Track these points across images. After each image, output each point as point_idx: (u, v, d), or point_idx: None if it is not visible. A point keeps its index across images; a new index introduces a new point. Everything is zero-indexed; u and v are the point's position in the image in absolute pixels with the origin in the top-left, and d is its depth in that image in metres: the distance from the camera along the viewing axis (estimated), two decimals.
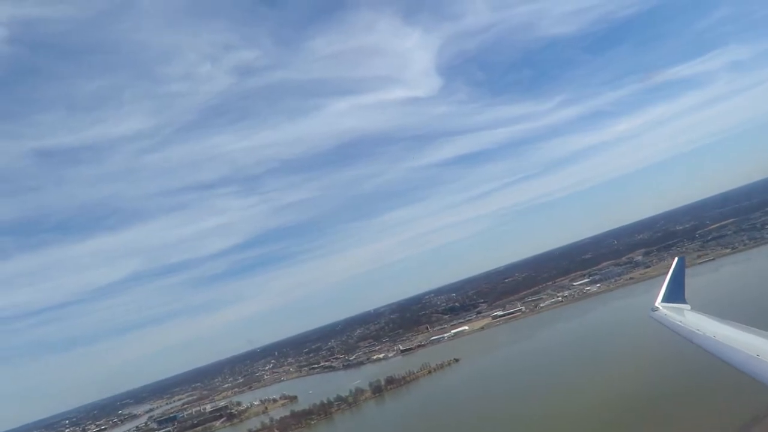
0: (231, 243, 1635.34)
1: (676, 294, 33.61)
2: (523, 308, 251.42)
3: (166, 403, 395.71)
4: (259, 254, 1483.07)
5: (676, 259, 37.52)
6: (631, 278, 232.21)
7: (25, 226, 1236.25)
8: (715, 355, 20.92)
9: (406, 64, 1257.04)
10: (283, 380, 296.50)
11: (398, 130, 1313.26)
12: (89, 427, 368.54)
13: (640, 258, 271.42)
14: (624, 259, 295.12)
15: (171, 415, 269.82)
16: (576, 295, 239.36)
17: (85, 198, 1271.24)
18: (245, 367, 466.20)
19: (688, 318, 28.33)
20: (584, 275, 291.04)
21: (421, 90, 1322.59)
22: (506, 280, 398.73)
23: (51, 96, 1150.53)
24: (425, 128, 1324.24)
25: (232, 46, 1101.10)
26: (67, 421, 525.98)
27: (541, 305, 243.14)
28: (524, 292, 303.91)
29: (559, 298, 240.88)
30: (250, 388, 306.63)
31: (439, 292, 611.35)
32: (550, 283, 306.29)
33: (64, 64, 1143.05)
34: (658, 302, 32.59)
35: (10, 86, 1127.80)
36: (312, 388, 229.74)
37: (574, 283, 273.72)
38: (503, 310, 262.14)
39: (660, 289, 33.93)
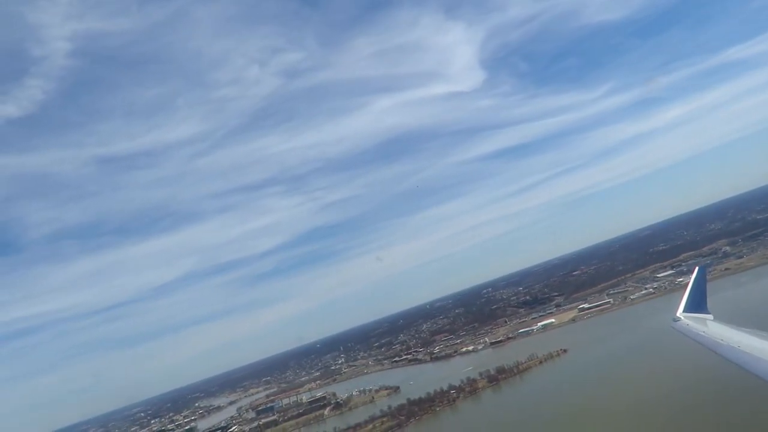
0: (278, 242, 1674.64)
1: (698, 304, 33.08)
2: (611, 300, 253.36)
3: (245, 396, 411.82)
4: (305, 252, 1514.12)
5: (697, 268, 37.41)
6: (726, 269, 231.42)
7: (88, 229, 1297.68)
8: (740, 366, 20.85)
9: (449, 59, 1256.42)
10: (366, 373, 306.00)
11: (441, 125, 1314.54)
12: (176, 418, 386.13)
13: (727, 248, 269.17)
14: (706, 249, 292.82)
15: (266, 405, 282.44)
16: (667, 287, 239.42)
17: (142, 201, 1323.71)
18: (312, 362, 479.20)
19: (711, 328, 27.90)
20: (665, 267, 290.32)
21: (464, 84, 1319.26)
22: (574, 273, 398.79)
23: (110, 105, 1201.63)
24: (469, 122, 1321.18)
25: (278, 49, 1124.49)
26: (143, 413, 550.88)
27: (631, 297, 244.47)
28: (602, 285, 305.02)
29: (650, 290, 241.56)
30: (335, 380, 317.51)
31: (493, 285, 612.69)
32: (629, 275, 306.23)
33: (122, 75, 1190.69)
34: (679, 312, 32.23)
35: (74, 97, 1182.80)
36: (405, 380, 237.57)
37: (658, 275, 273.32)
38: (588, 303, 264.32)
39: (681, 299, 33.68)
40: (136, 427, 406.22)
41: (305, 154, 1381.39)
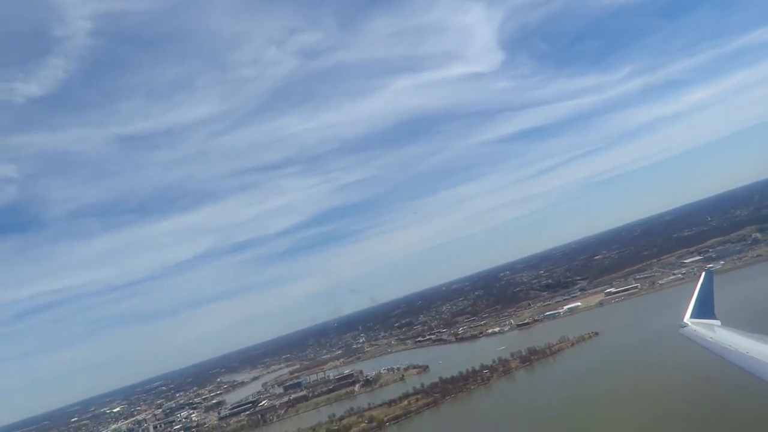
0: (295, 222, 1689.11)
1: (705, 309, 32.36)
2: (638, 285, 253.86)
3: (267, 372, 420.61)
4: (321, 232, 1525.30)
5: (704, 273, 36.57)
6: (758, 255, 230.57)
7: (108, 207, 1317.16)
8: (749, 372, 20.71)
9: (467, 39, 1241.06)
10: (390, 352, 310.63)
11: (459, 106, 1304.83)
12: (200, 392, 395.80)
13: (757, 235, 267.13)
14: (734, 236, 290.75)
15: (293, 381, 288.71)
16: (696, 273, 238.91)
17: (161, 180, 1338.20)
18: (331, 340, 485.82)
19: (718, 334, 27.43)
20: (691, 253, 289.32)
21: (482, 65, 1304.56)
22: (596, 258, 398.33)
23: (130, 85, 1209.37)
24: (487, 104, 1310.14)
25: (296, 29, 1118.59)
26: (164, 387, 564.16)
27: (660, 282, 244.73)
28: (627, 270, 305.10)
29: (679, 276, 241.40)
30: (358, 359, 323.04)
31: (510, 268, 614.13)
32: (654, 260, 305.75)
33: (142, 54, 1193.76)
34: (686, 318, 31.49)
35: (94, 77, 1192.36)
36: (432, 360, 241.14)
37: (686, 261, 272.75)
38: (614, 288, 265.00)
39: (688, 305, 32.88)
40: (162, 400, 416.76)
41: (322, 135, 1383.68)
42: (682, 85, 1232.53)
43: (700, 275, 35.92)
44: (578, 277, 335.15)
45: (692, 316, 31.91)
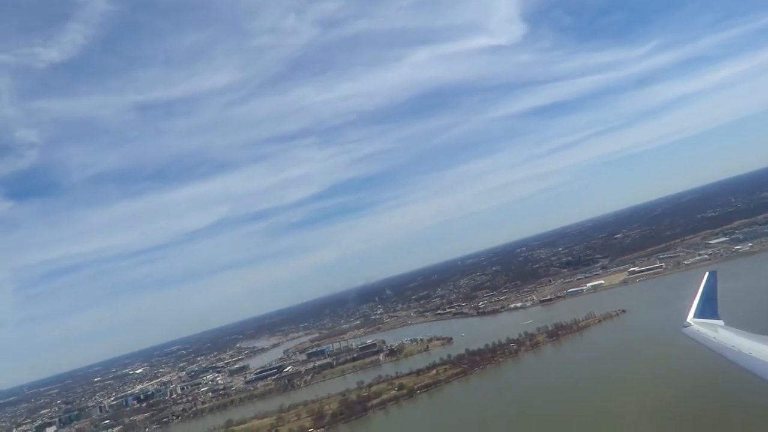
0: (310, 192, 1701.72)
1: (708, 309, 32.65)
2: (663, 265, 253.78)
3: (287, 340, 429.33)
4: (336, 203, 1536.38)
5: (707, 273, 36.50)
6: None
7: (127, 174, 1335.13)
8: (752, 372, 20.85)
9: (489, 11, 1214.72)
10: (410, 324, 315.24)
11: (479, 79, 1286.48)
12: (222, 357, 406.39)
13: None
14: (761, 218, 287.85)
15: (315, 349, 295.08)
16: (723, 254, 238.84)
17: (178, 148, 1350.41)
18: (348, 310, 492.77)
19: (721, 334, 27.60)
20: (716, 234, 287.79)
21: (504, 38, 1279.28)
22: (616, 236, 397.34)
23: (149, 53, 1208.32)
24: (507, 77, 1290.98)
25: None
26: (183, 351, 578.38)
27: (685, 262, 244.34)
28: (650, 249, 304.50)
29: (705, 256, 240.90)
30: (378, 329, 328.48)
31: (526, 244, 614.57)
32: (678, 240, 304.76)
33: (161, 22, 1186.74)
34: (689, 318, 31.76)
35: (114, 44, 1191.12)
36: (455, 332, 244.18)
37: (711, 242, 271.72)
38: (638, 267, 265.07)
39: (691, 305, 33.19)
40: (184, 363, 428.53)
41: (340, 106, 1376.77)
42: (708, 62, 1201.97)
43: (704, 275, 35.93)
44: (599, 256, 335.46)
45: (695, 315, 31.99)
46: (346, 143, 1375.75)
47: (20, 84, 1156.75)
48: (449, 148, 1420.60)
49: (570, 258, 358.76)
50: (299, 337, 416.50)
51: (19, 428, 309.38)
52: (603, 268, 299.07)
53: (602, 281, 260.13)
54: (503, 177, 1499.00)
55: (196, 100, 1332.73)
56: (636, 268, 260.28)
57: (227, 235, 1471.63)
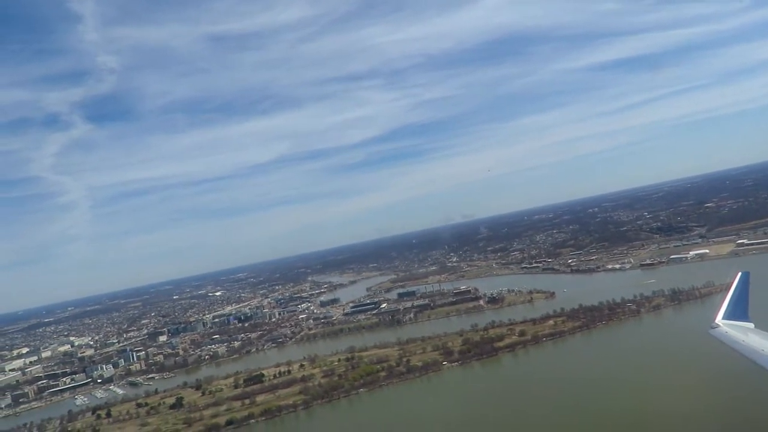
0: (371, 134, 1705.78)
1: (738, 311, 31.88)
2: None
3: (360, 278, 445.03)
4: (397, 147, 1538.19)
5: (739, 273, 35.87)
6: None
7: (196, 104, 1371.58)
8: None
9: None
10: (495, 275, 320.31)
11: (555, 27, 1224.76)
12: (301, 288, 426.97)
13: None
14: None
15: (404, 290, 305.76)
16: None
17: (246, 82, 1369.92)
18: (416, 255, 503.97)
19: (751, 337, 26.80)
20: None
21: None
22: (707, 205, 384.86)
23: None
24: (586, 27, 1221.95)
25: None
26: (252, 279, 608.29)
27: None
28: (754, 222, 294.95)
29: None
30: (462, 276, 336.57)
31: (594, 203, 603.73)
32: None
33: None
34: (718, 319, 30.97)
35: None
36: (554, 287, 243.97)
37: None
38: (746, 239, 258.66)
39: (720, 306, 32.57)
40: (264, 290, 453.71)
41: (408, 48, 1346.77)
42: None
43: (736, 275, 35.27)
44: (693, 224, 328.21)
45: (724, 317, 31.51)
46: (411, 87, 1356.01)
47: (104, 10, 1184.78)
48: (514, 99, 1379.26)
49: (659, 224, 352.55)
50: (374, 276, 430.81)
51: (127, 334, 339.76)
52: (701, 237, 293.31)
53: (707, 250, 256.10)
54: (568, 132, 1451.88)
55: (267, 34, 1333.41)
56: (745, 240, 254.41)
57: (287, 171, 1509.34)
